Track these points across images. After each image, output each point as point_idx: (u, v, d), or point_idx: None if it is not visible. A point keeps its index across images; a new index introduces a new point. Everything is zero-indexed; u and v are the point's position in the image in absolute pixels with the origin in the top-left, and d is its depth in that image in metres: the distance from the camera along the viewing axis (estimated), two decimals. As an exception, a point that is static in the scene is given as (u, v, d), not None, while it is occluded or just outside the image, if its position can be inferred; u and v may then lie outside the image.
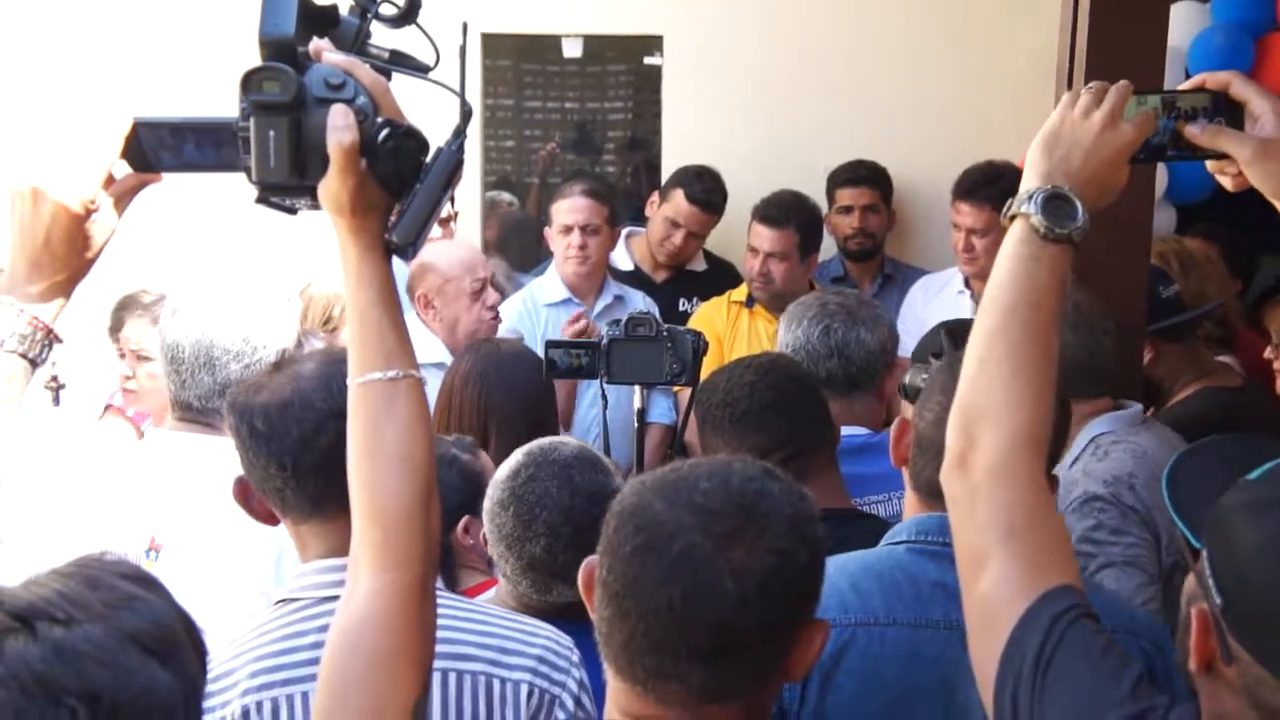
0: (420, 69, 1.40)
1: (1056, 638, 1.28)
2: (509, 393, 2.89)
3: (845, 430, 2.60)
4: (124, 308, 3.53)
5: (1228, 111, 1.55)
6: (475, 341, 3.16)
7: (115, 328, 3.53)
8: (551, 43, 4.95)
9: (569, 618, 1.96)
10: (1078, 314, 2.65)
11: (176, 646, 1.09)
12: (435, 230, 2.79)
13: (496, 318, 3.69)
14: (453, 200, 1.38)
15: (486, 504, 2.12)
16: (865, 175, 4.54)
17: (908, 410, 2.27)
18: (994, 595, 1.33)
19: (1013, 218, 1.48)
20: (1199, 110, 1.55)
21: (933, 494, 1.83)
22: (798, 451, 2.37)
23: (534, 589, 2.06)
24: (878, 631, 1.82)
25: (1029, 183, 1.49)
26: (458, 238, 4.44)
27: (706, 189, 4.32)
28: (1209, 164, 1.61)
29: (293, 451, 1.71)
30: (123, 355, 3.48)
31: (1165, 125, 1.55)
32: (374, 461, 1.35)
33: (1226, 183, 1.61)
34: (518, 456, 2.14)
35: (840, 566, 1.84)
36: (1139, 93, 1.53)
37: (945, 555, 1.80)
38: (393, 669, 1.34)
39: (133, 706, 1.02)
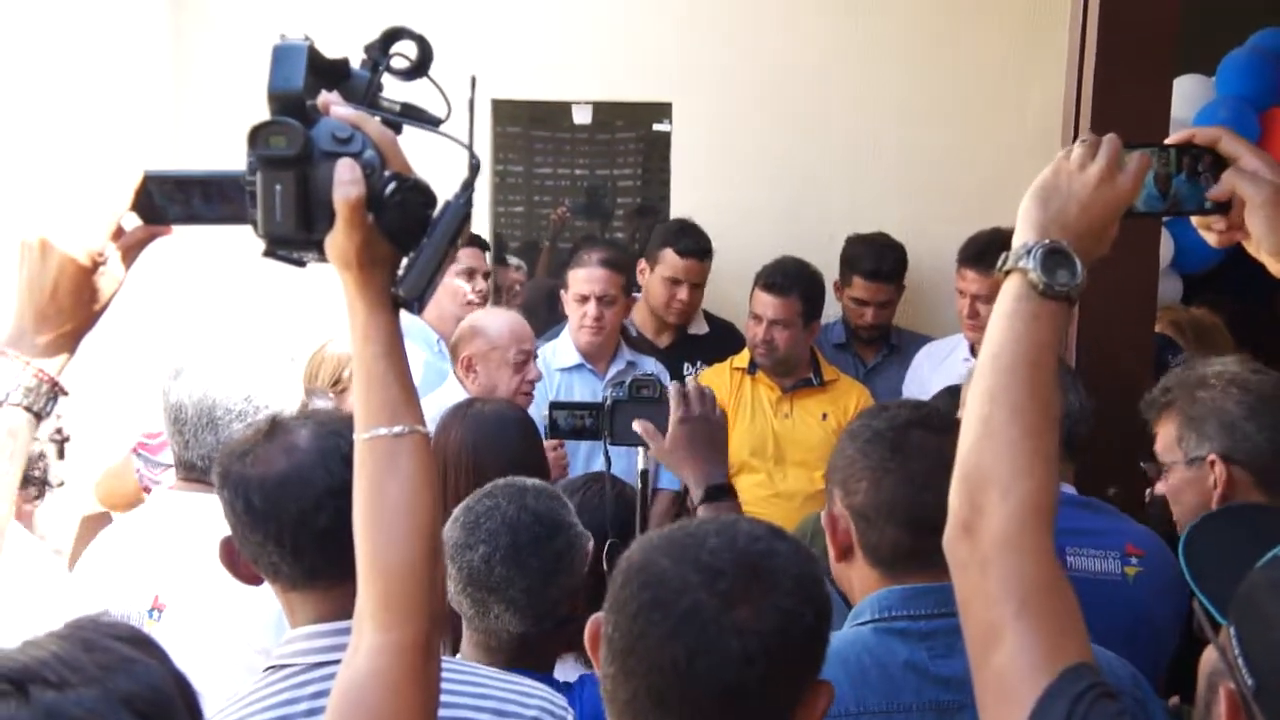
0: (431, 122, 1.40)
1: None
2: (499, 457, 2.82)
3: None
4: None
5: (1215, 168, 1.51)
6: (457, 405, 3.08)
7: None
8: (562, 109, 4.99)
9: (522, 665, 1.95)
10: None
11: (171, 711, 1.07)
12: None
13: (532, 393, 3.70)
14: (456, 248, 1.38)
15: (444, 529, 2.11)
16: (887, 270, 4.41)
17: None
18: (1010, 672, 1.28)
19: (1008, 273, 1.43)
20: (1194, 163, 1.51)
21: (893, 563, 1.78)
22: None
23: (475, 609, 2.03)
24: None
25: (1024, 235, 1.43)
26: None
27: (695, 239, 4.32)
28: (1195, 220, 1.56)
29: (290, 529, 1.68)
30: None
31: (1179, 181, 1.51)
32: (377, 518, 1.34)
33: (1211, 238, 1.55)
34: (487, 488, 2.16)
35: None
36: (1129, 146, 1.48)
37: (913, 632, 1.76)
38: None
39: None
